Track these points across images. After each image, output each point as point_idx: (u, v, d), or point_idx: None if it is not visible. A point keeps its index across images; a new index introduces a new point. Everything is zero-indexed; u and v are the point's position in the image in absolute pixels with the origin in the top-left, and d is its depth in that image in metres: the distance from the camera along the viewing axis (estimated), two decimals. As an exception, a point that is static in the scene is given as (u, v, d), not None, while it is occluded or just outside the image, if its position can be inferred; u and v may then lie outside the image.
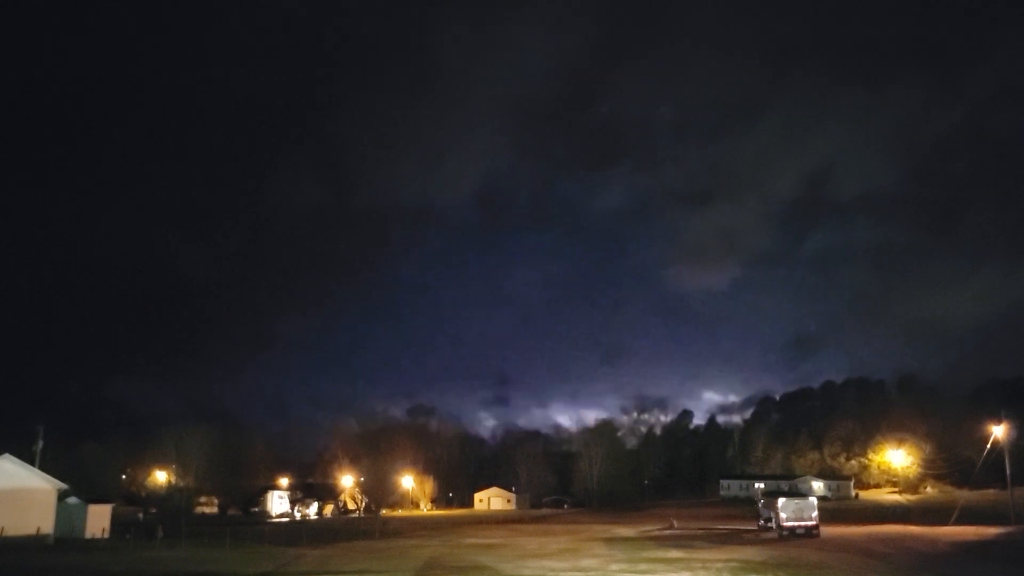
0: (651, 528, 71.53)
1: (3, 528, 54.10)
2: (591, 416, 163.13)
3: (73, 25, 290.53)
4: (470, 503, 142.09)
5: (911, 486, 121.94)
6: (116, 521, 72.32)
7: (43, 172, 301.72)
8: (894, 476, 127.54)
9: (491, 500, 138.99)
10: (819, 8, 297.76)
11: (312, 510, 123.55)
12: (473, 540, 59.75)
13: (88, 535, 65.58)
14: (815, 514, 56.74)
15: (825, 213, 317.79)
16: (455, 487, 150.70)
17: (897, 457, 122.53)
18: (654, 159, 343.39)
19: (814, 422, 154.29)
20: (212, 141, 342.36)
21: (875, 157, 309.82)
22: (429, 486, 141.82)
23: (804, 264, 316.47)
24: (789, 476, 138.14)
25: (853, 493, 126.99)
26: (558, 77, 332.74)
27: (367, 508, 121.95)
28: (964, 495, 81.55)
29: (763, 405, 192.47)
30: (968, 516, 66.36)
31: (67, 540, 61.14)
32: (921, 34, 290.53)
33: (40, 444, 71.82)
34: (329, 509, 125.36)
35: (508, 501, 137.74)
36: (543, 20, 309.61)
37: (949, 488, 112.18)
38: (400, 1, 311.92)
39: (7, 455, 57.87)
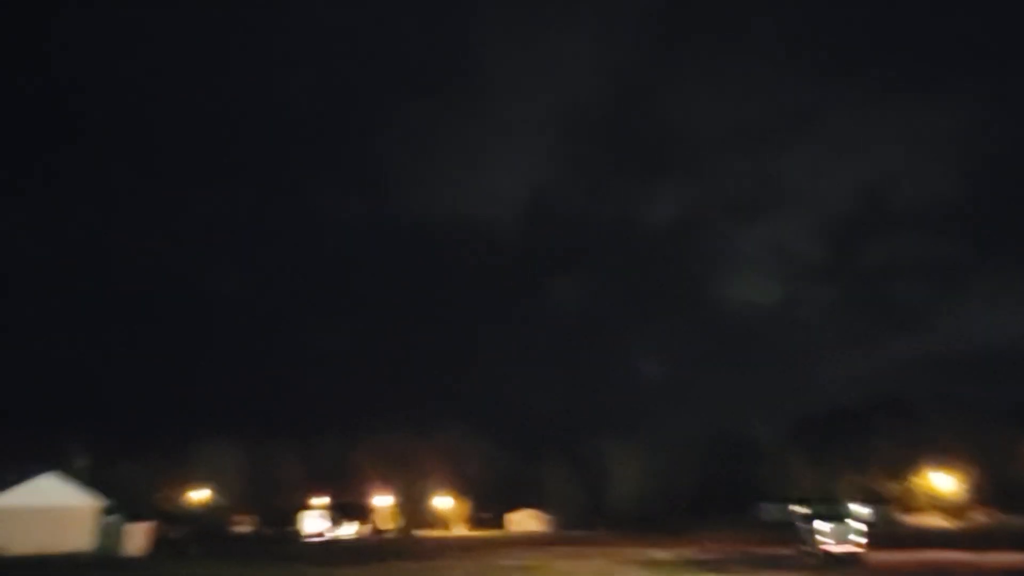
0: (687, 551, 70.48)
1: (46, 544, 54.81)
2: (627, 434, 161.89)
3: (111, 40, 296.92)
4: (503, 524, 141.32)
5: (957, 510, 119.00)
6: (154, 539, 72.99)
7: (82, 190, 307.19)
8: (939, 500, 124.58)
9: (524, 521, 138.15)
10: (876, 15, 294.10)
11: (346, 530, 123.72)
12: (507, 562, 59.31)
13: (127, 553, 66.26)
14: (858, 539, 55.48)
15: (878, 227, 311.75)
16: (488, 508, 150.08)
17: (942, 480, 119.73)
18: (703, 172, 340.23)
19: (856, 443, 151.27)
20: (253, 157, 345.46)
21: (933, 169, 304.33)
22: (463, 506, 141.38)
23: (853, 279, 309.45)
24: (829, 499, 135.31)
25: (896, 517, 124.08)
26: (606, 89, 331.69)
27: (400, 528, 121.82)
28: (1014, 520, 79.45)
29: (803, 425, 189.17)
30: (1018, 542, 64.53)
31: (106, 557, 61.80)
32: (981, 41, 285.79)
33: (82, 462, 72.89)
34: (363, 529, 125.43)
35: (542, 522, 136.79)
36: (592, 31, 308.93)
37: (997, 513, 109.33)
38: (445, 14, 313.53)
39: (52, 473, 58.77)
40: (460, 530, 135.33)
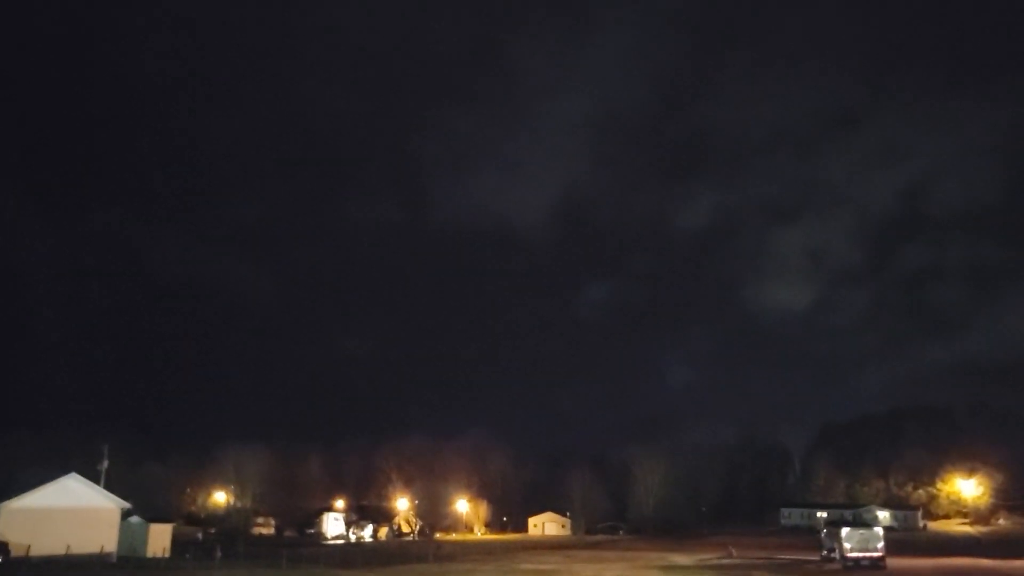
0: (709, 556, 69.97)
1: (69, 546, 55.29)
2: (650, 439, 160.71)
3: (148, 44, 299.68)
4: (524, 528, 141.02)
5: (982, 517, 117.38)
6: (176, 541, 73.47)
7: (110, 192, 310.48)
8: (964, 507, 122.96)
9: (545, 525, 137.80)
10: (918, 16, 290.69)
11: (367, 532, 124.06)
12: (527, 566, 59.15)
13: (149, 554, 66.76)
14: (881, 545, 54.84)
15: (919, 229, 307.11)
16: (509, 511, 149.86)
17: (967, 487, 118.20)
18: (740, 176, 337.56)
19: (879, 449, 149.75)
20: (287, 162, 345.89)
21: (974, 171, 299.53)
22: (483, 510, 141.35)
23: (890, 283, 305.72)
24: (853, 505, 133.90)
25: (921, 524, 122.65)
26: (644, 93, 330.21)
27: (421, 531, 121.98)
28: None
29: (826, 431, 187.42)
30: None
31: (129, 559, 62.31)
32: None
33: (105, 464, 73.55)
34: (384, 532, 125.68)
35: (562, 526, 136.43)
36: (632, 36, 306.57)
37: (1022, 519, 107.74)
38: (484, 19, 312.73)
39: (73, 474, 59.31)
40: (481, 534, 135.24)
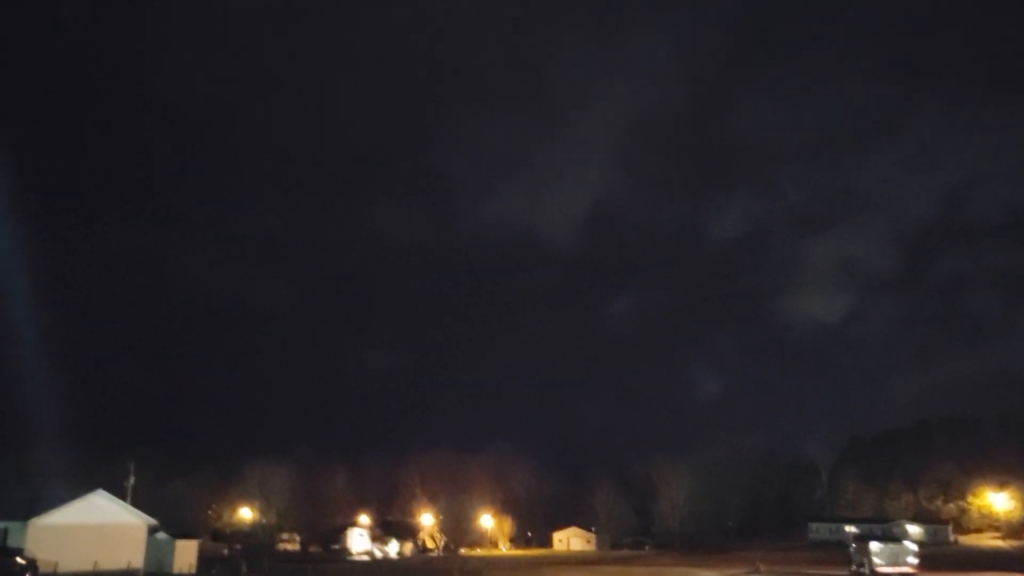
0: (736, 572, 69.18)
1: (96, 562, 55.72)
2: (676, 452, 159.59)
3: (173, 60, 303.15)
4: (549, 543, 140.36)
5: (1015, 531, 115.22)
6: (202, 557, 73.74)
7: (136, 206, 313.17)
8: (996, 520, 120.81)
9: (570, 540, 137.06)
10: (957, 20, 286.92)
11: (392, 548, 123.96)
12: (552, 581, 58.76)
13: (176, 570, 67.00)
14: (911, 560, 53.98)
15: (954, 237, 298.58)
16: (534, 526, 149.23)
17: (999, 500, 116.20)
18: (774, 183, 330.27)
19: (908, 462, 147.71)
20: (313, 174, 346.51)
21: (1014, 177, 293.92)
22: (508, 525, 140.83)
23: (923, 293, 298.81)
24: (882, 519, 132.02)
25: (952, 538, 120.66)
26: (678, 100, 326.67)
27: (446, 547, 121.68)
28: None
29: (854, 444, 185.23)
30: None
31: (156, 575, 62.61)
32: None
33: (131, 480, 74.11)
34: (408, 547, 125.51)
35: (588, 541, 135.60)
36: (668, 42, 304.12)
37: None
38: (515, 27, 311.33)
39: (100, 491, 59.83)
40: (506, 549, 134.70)
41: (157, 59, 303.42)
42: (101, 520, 58.43)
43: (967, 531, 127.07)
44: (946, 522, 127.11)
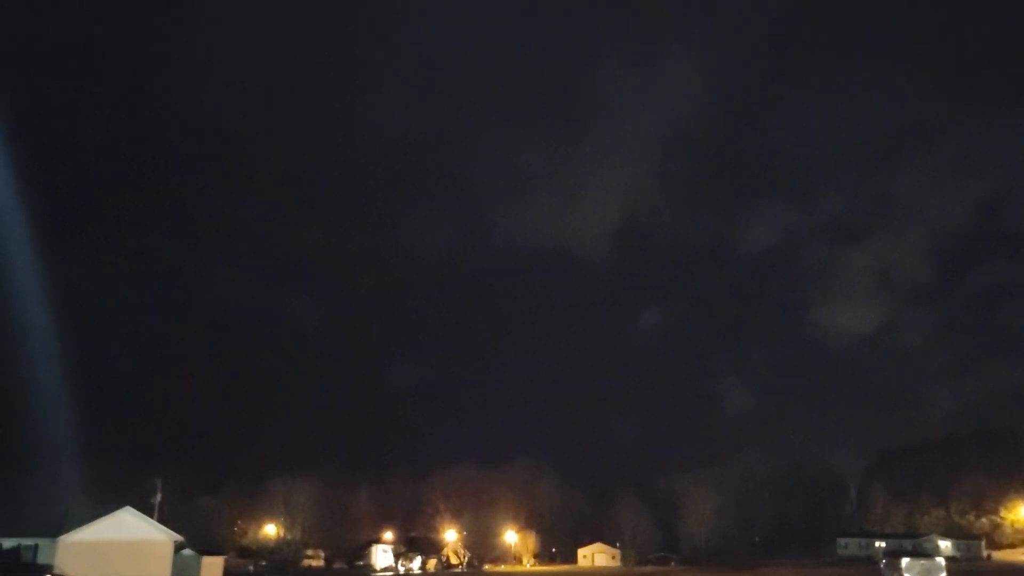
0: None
1: (123, 578, 56.18)
2: (702, 466, 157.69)
3: (199, 74, 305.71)
4: (573, 559, 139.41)
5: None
6: (228, 573, 74.08)
7: (163, 223, 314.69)
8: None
9: (595, 556, 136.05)
10: (996, 28, 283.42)
11: (416, 564, 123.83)
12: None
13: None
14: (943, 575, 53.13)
15: (993, 245, 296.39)
16: (558, 542, 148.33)
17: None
18: (809, 192, 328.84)
19: (939, 476, 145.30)
20: (344, 190, 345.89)
21: None
22: (532, 541, 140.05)
23: (959, 303, 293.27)
24: (912, 535, 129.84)
25: (985, 554, 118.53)
26: (713, 110, 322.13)
27: (470, 563, 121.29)
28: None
29: (883, 457, 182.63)
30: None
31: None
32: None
33: (158, 497, 74.70)
34: (432, 564, 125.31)
35: (613, 557, 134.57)
36: (703, 50, 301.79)
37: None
38: (548, 37, 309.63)
39: (127, 508, 60.34)
40: (530, 565, 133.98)
41: (183, 72, 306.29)
42: (129, 537, 58.89)
43: (1000, 546, 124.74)
44: (979, 537, 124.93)
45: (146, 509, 66.79)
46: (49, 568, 52.54)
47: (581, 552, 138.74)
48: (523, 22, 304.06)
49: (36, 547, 55.88)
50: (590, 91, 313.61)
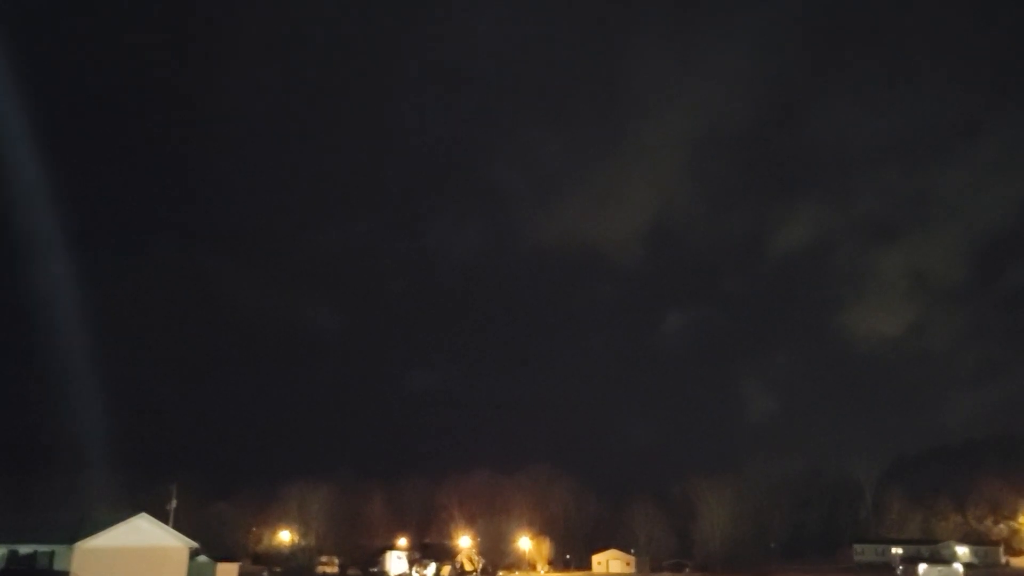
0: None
1: (139, 585, 56.46)
2: (718, 471, 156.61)
3: (228, 80, 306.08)
4: (587, 565, 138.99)
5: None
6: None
7: (180, 227, 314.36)
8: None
9: (609, 562, 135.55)
10: None
11: (430, 571, 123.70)
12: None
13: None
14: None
15: None
16: (572, 548, 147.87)
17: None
18: (844, 191, 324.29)
19: (956, 481, 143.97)
20: (368, 190, 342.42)
21: None
22: (546, 547, 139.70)
23: (992, 305, 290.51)
24: (929, 541, 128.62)
25: (1003, 560, 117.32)
26: (749, 106, 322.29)
27: (484, 569, 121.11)
28: None
29: (900, 462, 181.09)
30: None
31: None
32: None
33: (174, 503, 75.01)
34: (446, 570, 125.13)
35: (627, 564, 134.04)
36: (738, 48, 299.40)
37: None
38: (579, 37, 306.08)
39: (143, 514, 60.68)
40: (544, 571, 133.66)
41: (211, 80, 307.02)
42: (144, 543, 59.21)
43: (1018, 552, 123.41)
44: (997, 543, 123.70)
45: (161, 515, 67.08)
46: (65, 574, 52.89)
47: (595, 558, 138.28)
48: (555, 24, 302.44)
49: (52, 553, 56.23)
50: (623, 91, 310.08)
